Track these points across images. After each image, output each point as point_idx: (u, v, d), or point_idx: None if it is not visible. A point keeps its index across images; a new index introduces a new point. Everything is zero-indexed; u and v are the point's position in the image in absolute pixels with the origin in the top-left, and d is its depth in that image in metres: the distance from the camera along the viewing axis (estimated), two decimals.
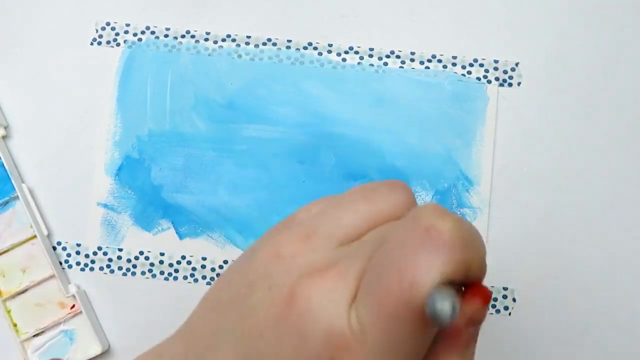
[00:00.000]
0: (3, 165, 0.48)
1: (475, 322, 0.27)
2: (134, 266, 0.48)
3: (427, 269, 0.24)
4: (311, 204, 0.30)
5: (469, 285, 0.27)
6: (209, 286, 0.47)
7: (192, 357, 0.28)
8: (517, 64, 0.49)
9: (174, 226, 0.48)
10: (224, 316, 0.27)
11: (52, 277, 0.47)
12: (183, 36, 0.50)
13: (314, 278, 0.25)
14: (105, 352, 0.47)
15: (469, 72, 0.49)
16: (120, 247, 0.48)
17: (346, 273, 0.25)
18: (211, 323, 0.28)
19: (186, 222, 0.48)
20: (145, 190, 0.49)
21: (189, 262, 0.48)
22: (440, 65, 0.49)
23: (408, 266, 0.24)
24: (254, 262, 0.27)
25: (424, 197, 0.48)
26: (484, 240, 0.47)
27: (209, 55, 0.50)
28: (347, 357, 0.24)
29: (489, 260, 0.47)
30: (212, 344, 0.27)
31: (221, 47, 0.50)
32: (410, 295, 0.24)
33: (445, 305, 0.20)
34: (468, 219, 0.48)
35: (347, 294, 0.25)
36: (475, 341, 0.28)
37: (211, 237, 0.48)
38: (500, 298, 0.47)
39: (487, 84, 0.49)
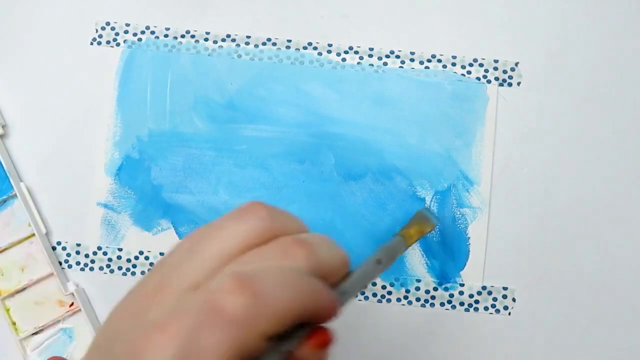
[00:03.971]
0: (1, 163, 0.48)
1: None
2: (134, 266, 0.48)
3: (212, 350, 0.25)
4: (183, 241, 0.30)
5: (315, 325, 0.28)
6: None
7: None
8: (517, 64, 0.49)
9: (174, 226, 0.48)
10: None
11: (50, 275, 0.47)
12: (183, 36, 0.50)
13: (152, 335, 0.26)
14: None
15: (469, 72, 0.49)
16: (120, 247, 0.48)
17: (177, 332, 0.26)
18: None
19: (186, 222, 0.48)
20: (145, 190, 0.49)
21: None
22: (440, 65, 0.49)
23: (199, 347, 0.25)
24: (114, 312, 0.29)
25: (424, 196, 0.48)
26: (484, 240, 0.47)
27: (208, 55, 0.50)
28: None
29: (489, 260, 0.47)
30: None
31: (221, 47, 0.50)
32: None
33: None
34: (468, 219, 0.48)
35: (175, 354, 0.25)
36: None
37: None
38: (500, 298, 0.47)
39: (486, 84, 0.49)
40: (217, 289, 0.26)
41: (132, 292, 0.29)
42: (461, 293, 0.47)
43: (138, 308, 0.28)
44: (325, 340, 0.28)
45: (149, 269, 0.48)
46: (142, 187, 0.49)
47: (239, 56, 0.50)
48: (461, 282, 0.48)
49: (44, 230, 0.48)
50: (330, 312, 0.29)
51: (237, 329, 0.25)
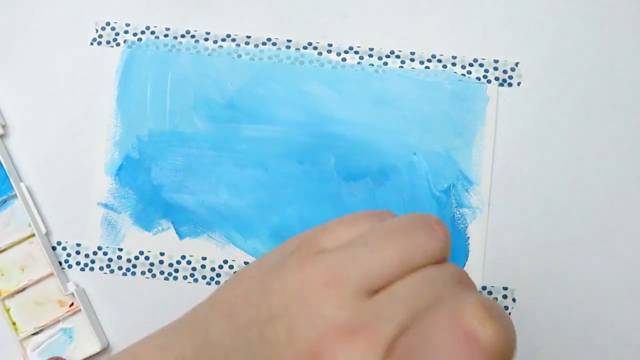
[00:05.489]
0: (1, 163, 0.48)
1: None
2: (134, 266, 0.48)
3: None
4: (340, 225, 0.29)
5: None
6: (208, 286, 0.47)
7: None
8: (517, 64, 0.49)
9: (174, 226, 0.48)
10: (241, 340, 0.27)
11: (50, 275, 0.47)
12: (183, 36, 0.50)
13: (340, 340, 0.25)
14: (104, 350, 0.47)
15: (469, 72, 0.49)
16: (120, 247, 0.48)
17: (374, 341, 0.25)
18: (225, 340, 0.28)
19: (186, 222, 0.48)
20: (145, 190, 0.49)
21: (189, 262, 0.48)
22: (440, 65, 0.49)
23: None
24: (276, 291, 0.27)
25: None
26: (483, 240, 0.47)
27: (208, 55, 0.50)
28: None
29: (489, 260, 0.48)
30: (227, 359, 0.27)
31: (221, 47, 0.50)
32: None
33: None
34: (467, 219, 0.48)
35: None
36: None
37: (211, 237, 0.48)
38: (500, 298, 0.47)
39: (487, 84, 0.49)
40: (468, 317, 0.24)
41: (283, 270, 0.28)
42: None
43: (306, 293, 0.26)
44: None
45: (149, 269, 0.48)
46: (142, 187, 0.49)
47: (239, 56, 0.50)
48: None
49: (44, 230, 0.48)
50: None
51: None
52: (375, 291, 0.26)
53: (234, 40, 0.50)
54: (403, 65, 0.49)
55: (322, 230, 0.29)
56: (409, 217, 0.29)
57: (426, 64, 0.49)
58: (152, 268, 0.48)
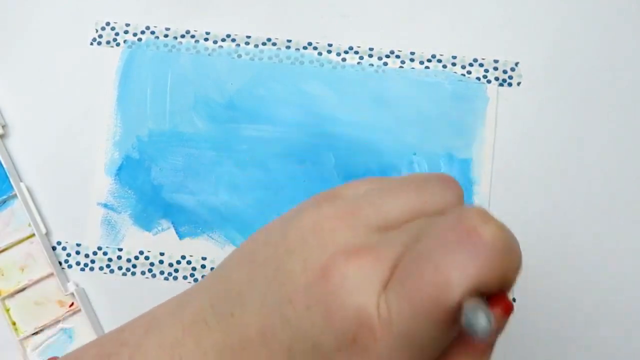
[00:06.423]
0: (1, 163, 0.48)
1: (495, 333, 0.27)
2: (134, 266, 0.48)
3: (462, 272, 0.24)
4: (360, 182, 0.30)
5: (493, 294, 0.26)
6: None
7: (219, 310, 0.28)
8: (517, 64, 0.49)
9: (174, 226, 0.48)
10: (257, 275, 0.28)
11: (50, 275, 0.47)
12: (183, 36, 0.50)
13: (349, 256, 0.25)
14: None
15: (469, 72, 0.49)
16: (120, 247, 0.48)
17: (382, 258, 0.25)
18: (242, 279, 0.28)
19: (186, 222, 0.48)
20: (145, 190, 0.49)
21: (189, 262, 0.48)
22: (440, 65, 0.49)
23: (444, 265, 0.24)
24: (293, 228, 0.28)
25: None
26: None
27: (208, 55, 0.50)
28: (371, 339, 0.25)
29: None
30: (241, 301, 0.28)
31: (221, 47, 0.50)
32: (442, 294, 0.24)
33: (482, 319, 0.20)
34: None
35: (380, 279, 0.25)
36: (492, 350, 0.28)
37: (211, 237, 0.48)
38: None
39: (487, 84, 0.49)
40: (469, 217, 0.25)
41: (302, 213, 0.28)
42: None
43: (321, 226, 0.27)
44: (511, 308, 0.27)
45: (149, 269, 0.48)
46: (142, 187, 0.49)
47: (239, 56, 0.50)
48: None
49: (44, 230, 0.48)
50: (515, 281, 0.28)
51: (490, 259, 0.24)
52: (387, 229, 0.27)
53: (234, 40, 0.50)
54: (403, 65, 0.49)
55: (343, 185, 0.30)
56: (423, 173, 0.31)
57: (426, 64, 0.49)
58: (152, 268, 0.48)
